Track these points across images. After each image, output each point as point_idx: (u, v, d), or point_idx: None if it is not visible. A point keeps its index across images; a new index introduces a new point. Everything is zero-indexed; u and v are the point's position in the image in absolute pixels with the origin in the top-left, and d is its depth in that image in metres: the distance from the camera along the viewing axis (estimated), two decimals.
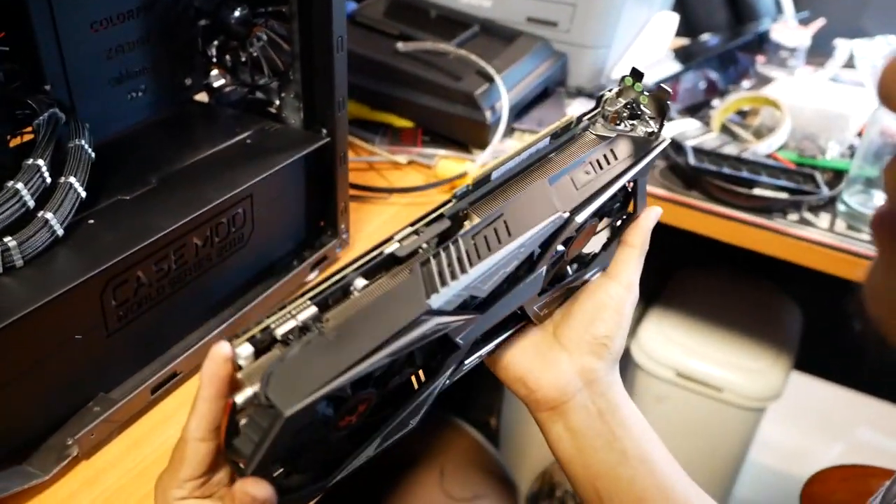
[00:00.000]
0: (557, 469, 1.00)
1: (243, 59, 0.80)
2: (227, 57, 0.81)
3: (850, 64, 1.40)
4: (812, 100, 1.14)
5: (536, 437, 1.56)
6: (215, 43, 0.80)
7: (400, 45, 1.12)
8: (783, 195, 0.98)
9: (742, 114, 1.23)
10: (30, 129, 0.63)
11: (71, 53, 0.66)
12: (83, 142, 0.61)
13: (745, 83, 1.35)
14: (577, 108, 1.21)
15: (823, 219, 0.99)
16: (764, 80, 1.36)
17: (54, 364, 0.57)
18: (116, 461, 0.61)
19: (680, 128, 1.14)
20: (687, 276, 1.60)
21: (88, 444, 0.60)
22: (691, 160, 1.01)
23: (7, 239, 0.54)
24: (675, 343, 1.44)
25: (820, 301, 1.54)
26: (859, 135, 1.12)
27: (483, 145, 1.05)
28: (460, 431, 1.34)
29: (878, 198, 0.99)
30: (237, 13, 0.76)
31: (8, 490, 0.55)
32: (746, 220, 0.98)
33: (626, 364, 1.54)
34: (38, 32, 0.64)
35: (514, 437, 1.54)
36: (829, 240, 0.95)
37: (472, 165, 1.02)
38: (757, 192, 0.98)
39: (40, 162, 0.56)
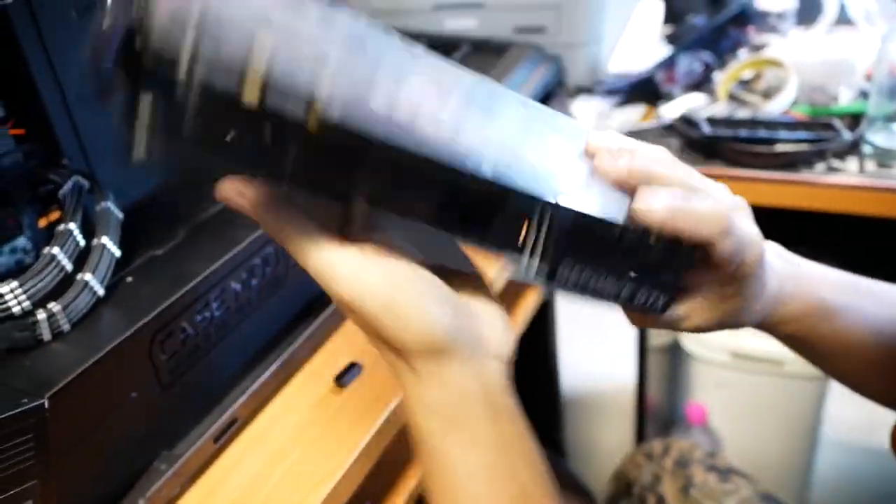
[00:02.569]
0: (631, 467, 0.98)
1: None
2: None
3: (842, 19, 1.39)
4: (813, 52, 1.13)
5: (602, 444, 1.53)
6: None
7: None
8: (806, 147, 0.97)
9: (745, 83, 1.23)
10: (56, 208, 0.64)
11: (83, 124, 0.67)
12: (109, 203, 0.62)
13: (742, 53, 1.35)
14: (579, 106, 1.21)
15: (851, 163, 0.98)
16: (759, 49, 1.36)
17: (114, 426, 0.57)
18: None
19: (686, 104, 1.13)
20: None
21: (160, 501, 0.60)
22: (706, 130, 1.00)
23: (51, 305, 0.54)
24: None
25: (861, 259, 1.51)
26: (867, 77, 1.11)
27: None
28: None
29: None
30: None
31: None
32: (773, 179, 0.97)
33: (678, 355, 1.51)
34: (50, 108, 0.65)
35: (580, 445, 1.51)
36: (861, 181, 0.93)
37: None
38: (779, 148, 0.97)
39: (72, 226, 0.57)
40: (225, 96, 0.30)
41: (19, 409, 0.47)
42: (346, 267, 0.36)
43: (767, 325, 0.51)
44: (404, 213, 0.36)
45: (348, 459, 0.64)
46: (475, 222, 0.37)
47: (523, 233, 0.38)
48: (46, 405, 0.48)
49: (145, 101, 0.32)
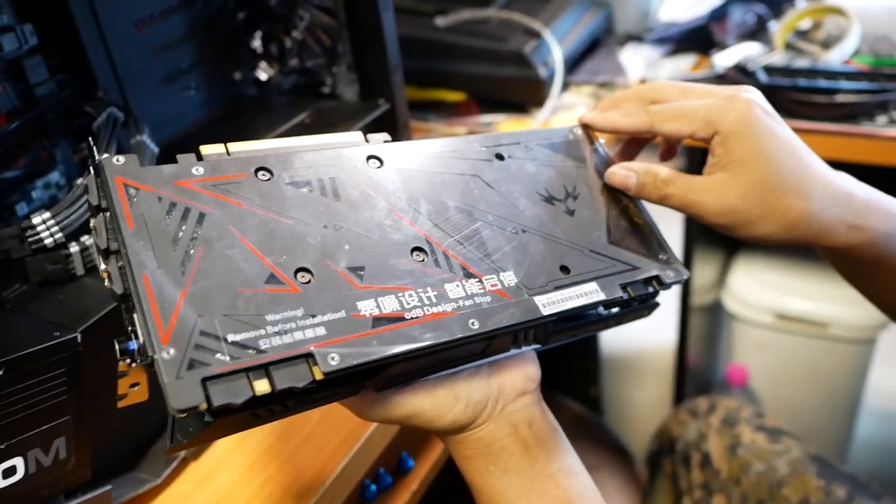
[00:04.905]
0: (675, 424, 0.95)
1: (288, 45, 0.78)
2: (273, 46, 0.79)
3: None
4: (878, 0, 1.07)
5: (640, 404, 1.51)
6: (259, 33, 0.79)
7: (439, 20, 1.10)
8: (868, 98, 0.92)
9: (803, 32, 1.17)
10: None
11: (119, 54, 0.65)
12: (145, 137, 0.60)
13: (799, 2, 1.29)
14: (628, 54, 1.16)
15: None
16: None
17: None
18: (225, 458, 0.59)
19: (741, 52, 1.08)
20: None
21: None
22: (762, 79, 0.95)
23: (84, 238, 0.52)
24: (769, 285, 1.37)
25: None
26: None
27: (540, 103, 1.02)
28: (561, 406, 1.30)
29: None
30: None
31: (123, 497, 0.54)
32: (833, 131, 0.92)
33: (721, 316, 1.48)
34: (85, 36, 0.63)
35: (617, 403, 1.49)
36: None
37: (534, 124, 0.98)
38: (840, 98, 0.92)
39: (106, 157, 0.55)
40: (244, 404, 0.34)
41: (52, 342, 0.45)
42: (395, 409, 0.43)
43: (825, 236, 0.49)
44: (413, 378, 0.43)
45: None
46: (469, 360, 0.44)
47: (513, 341, 0.46)
48: (79, 339, 0.47)
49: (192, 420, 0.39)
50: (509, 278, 0.43)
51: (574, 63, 1.11)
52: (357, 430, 0.60)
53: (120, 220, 0.36)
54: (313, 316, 0.37)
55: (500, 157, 0.49)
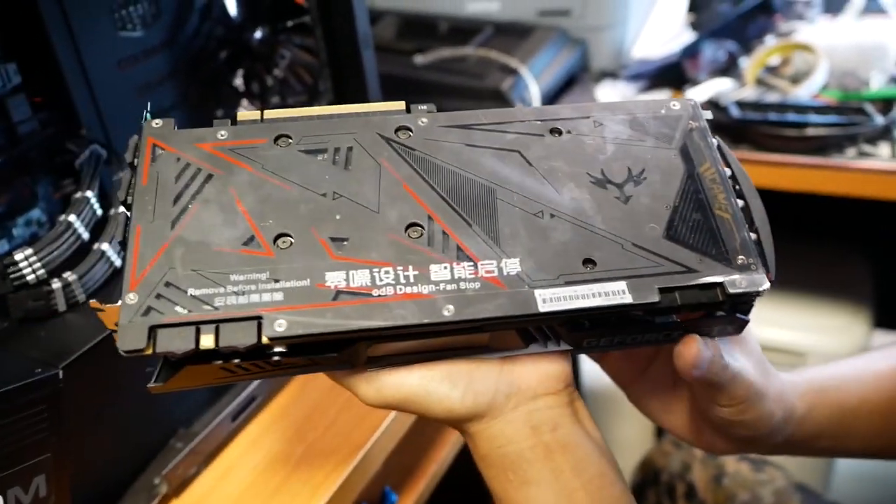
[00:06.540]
0: (658, 455, 0.95)
1: (270, 83, 0.79)
2: (255, 84, 0.80)
3: (869, 8, 1.36)
4: (844, 37, 1.10)
5: (623, 438, 1.51)
6: (240, 72, 0.80)
7: (418, 58, 1.12)
8: (837, 131, 0.94)
9: (772, 68, 1.20)
10: (72, 181, 0.62)
11: (102, 93, 0.65)
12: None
13: (768, 39, 1.32)
14: (604, 90, 1.18)
15: (883, 148, 0.95)
16: (785, 35, 1.33)
17: (129, 400, 0.55)
18: (208, 494, 0.59)
19: (713, 88, 1.11)
20: None
21: (176, 480, 0.58)
22: (735, 113, 0.98)
23: (67, 274, 0.52)
24: None
25: (892, 244, 1.48)
26: None
27: None
28: None
29: None
30: (258, 34, 0.75)
31: None
32: (803, 163, 0.94)
33: None
34: (68, 75, 0.63)
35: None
36: (893, 166, 0.91)
37: None
38: (810, 132, 0.95)
39: (89, 193, 0.55)
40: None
41: (33, 379, 0.45)
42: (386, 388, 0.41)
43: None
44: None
45: (372, 437, 0.63)
46: (472, 353, 0.41)
47: (531, 338, 0.42)
48: (61, 375, 0.46)
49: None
50: (511, 266, 0.39)
51: (551, 99, 1.13)
52: (338, 466, 0.60)
53: (137, 176, 0.41)
54: (276, 281, 0.37)
55: (556, 131, 0.45)
